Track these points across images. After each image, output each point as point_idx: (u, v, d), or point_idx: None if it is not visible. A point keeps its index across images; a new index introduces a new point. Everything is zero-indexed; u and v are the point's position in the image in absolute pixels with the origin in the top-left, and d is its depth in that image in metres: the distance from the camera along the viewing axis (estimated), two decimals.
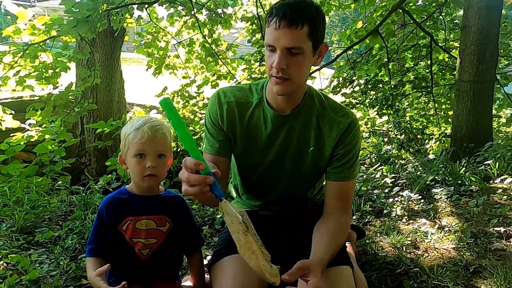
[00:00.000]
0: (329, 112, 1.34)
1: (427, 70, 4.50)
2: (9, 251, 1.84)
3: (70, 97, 4.25)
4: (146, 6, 4.26)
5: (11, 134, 3.62)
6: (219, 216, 2.15)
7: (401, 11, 4.05)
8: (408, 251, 1.74)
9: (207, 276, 1.46)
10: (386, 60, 4.31)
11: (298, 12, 1.14)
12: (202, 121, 4.62)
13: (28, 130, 3.77)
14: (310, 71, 4.66)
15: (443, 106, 4.77)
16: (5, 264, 1.73)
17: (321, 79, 4.64)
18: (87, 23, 3.59)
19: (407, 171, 2.77)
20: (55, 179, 3.21)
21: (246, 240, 1.07)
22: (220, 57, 4.75)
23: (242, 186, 1.54)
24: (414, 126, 4.47)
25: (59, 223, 2.25)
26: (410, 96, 4.78)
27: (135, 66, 9.57)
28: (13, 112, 3.94)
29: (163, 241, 1.29)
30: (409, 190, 2.41)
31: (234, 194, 1.64)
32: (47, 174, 3.32)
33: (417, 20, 4.09)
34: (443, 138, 4.29)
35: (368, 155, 3.36)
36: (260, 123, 1.35)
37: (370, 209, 2.19)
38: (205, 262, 1.52)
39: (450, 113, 4.49)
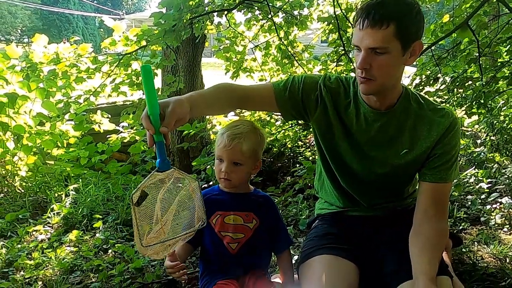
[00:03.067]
0: (427, 113, 1.30)
1: None
2: (115, 241, 2.05)
3: None
4: (226, 12, 4.45)
5: (107, 136, 4.02)
6: (303, 217, 2.18)
7: (494, 0, 3.71)
8: None
9: (295, 276, 1.50)
10: (477, 54, 3.97)
11: (383, 11, 1.12)
12: (278, 123, 4.68)
13: (121, 132, 4.16)
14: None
15: None
16: (113, 253, 1.94)
17: (402, 78, 4.43)
18: (173, 33, 3.85)
19: (506, 176, 2.53)
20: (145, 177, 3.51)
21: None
22: (296, 58, 4.76)
23: (334, 179, 1.53)
24: (511, 126, 4.06)
25: None
26: (506, 94, 4.34)
27: (211, 71, 10.01)
28: (109, 116, 4.37)
29: (250, 236, 1.37)
30: (510, 197, 2.20)
31: (322, 192, 1.64)
32: (139, 172, 3.64)
33: None
34: None
35: (459, 158, 3.14)
36: (353, 116, 1.36)
37: (465, 216, 2.06)
38: (293, 261, 1.56)
39: None
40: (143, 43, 4.31)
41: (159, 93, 4.55)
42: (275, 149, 4.56)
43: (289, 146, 4.50)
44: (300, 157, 3.95)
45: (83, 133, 3.88)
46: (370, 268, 1.36)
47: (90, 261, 1.78)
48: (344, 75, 1.47)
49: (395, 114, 1.31)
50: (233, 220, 1.38)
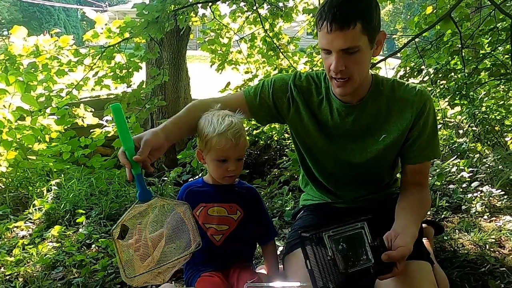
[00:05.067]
0: (400, 94, 1.30)
1: (506, 56, 4.12)
2: (99, 235, 2.02)
3: (141, 94, 4.53)
4: (210, 4, 4.40)
5: (91, 130, 3.95)
6: (288, 208, 2.18)
7: None
8: (492, 249, 1.64)
9: (280, 266, 1.50)
10: (460, 46, 4.02)
11: (347, 11, 1.11)
12: None
13: (105, 126, 4.09)
14: (374, 62, 4.48)
15: None
16: (96, 247, 1.91)
17: (386, 70, 4.47)
18: (156, 24, 3.80)
19: (487, 165, 2.58)
20: None
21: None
22: (281, 50, 4.75)
23: (314, 178, 1.55)
24: (492, 117, 4.14)
25: None
26: (487, 85, 4.42)
27: (197, 64, 9.92)
28: (93, 110, 4.29)
29: (234, 228, 1.36)
30: (490, 186, 2.25)
31: (306, 189, 1.65)
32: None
33: (496, 1, 3.76)
34: None
35: (442, 149, 3.19)
36: (327, 112, 1.36)
37: (447, 204, 2.09)
38: (278, 252, 1.56)
39: None
40: (126, 35, 4.24)
41: (144, 86, 4.49)
42: (261, 142, 4.55)
43: (276, 138, 4.50)
44: (286, 149, 3.96)
45: (65, 127, 3.80)
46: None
47: (72, 256, 1.75)
48: (315, 70, 1.46)
49: (367, 104, 1.32)
50: (217, 212, 1.37)
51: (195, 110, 1.36)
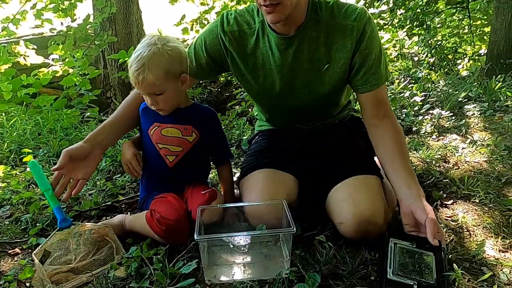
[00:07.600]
0: (340, 20, 1.22)
1: None
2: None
3: (89, 30, 4.19)
4: None
5: (38, 71, 3.65)
6: (245, 138, 2.17)
7: None
8: (437, 165, 1.72)
9: (236, 191, 1.51)
10: None
11: None
12: None
13: (52, 65, 3.79)
14: None
15: (479, 23, 4.42)
16: None
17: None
18: None
19: (438, 90, 2.65)
20: (84, 112, 3.29)
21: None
22: None
23: (265, 113, 1.54)
24: (446, 45, 4.21)
25: None
26: (443, 14, 4.44)
27: None
28: (35, 47, 3.94)
29: (188, 150, 1.35)
30: (440, 108, 2.32)
31: (261, 117, 1.63)
32: (76, 106, 3.40)
33: None
34: (477, 57, 4.05)
35: (397, 77, 3.23)
36: (266, 49, 1.28)
37: None
38: (234, 179, 1.56)
39: (486, 30, 4.18)
40: None
41: (91, 20, 4.14)
42: (222, 79, 4.43)
43: None
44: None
45: (5, 66, 3.47)
46: (311, 177, 1.38)
47: (19, 194, 1.67)
48: (247, 6, 1.35)
49: (306, 33, 1.24)
50: (171, 133, 1.34)
51: (132, 103, 1.39)
